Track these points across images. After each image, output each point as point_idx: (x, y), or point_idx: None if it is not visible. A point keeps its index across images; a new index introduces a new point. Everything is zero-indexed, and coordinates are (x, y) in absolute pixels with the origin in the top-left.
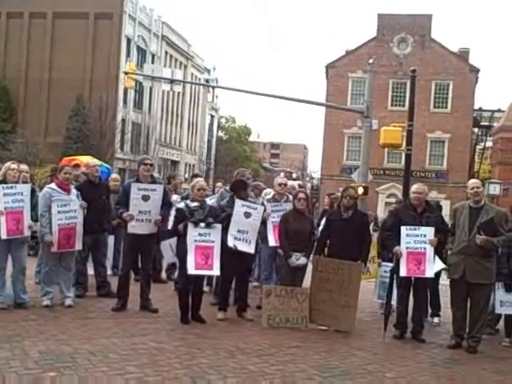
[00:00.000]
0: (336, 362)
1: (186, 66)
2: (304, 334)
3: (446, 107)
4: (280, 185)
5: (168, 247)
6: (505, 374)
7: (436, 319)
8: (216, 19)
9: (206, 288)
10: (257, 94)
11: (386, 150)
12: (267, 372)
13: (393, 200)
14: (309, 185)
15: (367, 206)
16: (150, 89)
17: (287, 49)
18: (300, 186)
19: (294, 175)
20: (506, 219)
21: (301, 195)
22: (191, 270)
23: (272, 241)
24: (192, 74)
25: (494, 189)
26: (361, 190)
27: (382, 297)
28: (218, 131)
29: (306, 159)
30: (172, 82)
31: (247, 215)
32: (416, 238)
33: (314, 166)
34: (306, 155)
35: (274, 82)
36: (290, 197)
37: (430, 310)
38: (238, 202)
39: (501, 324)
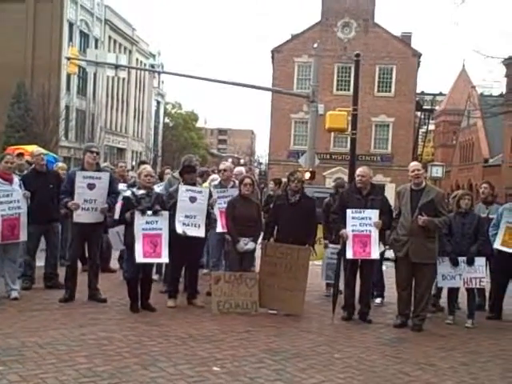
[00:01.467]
0: (286, 345)
1: (130, 51)
2: (254, 318)
3: (390, 91)
4: (220, 171)
5: (116, 236)
6: (448, 351)
7: (378, 300)
8: (160, 3)
9: (155, 276)
10: (203, 79)
11: (332, 134)
12: (218, 357)
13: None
14: (257, 170)
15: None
16: (94, 75)
17: (234, 33)
18: (247, 171)
19: (242, 161)
20: (444, 199)
21: (247, 180)
22: (139, 258)
23: (219, 227)
24: (137, 60)
25: (437, 171)
26: (308, 175)
27: (329, 277)
28: (164, 117)
29: (253, 145)
30: (117, 67)
31: (192, 200)
32: (361, 221)
33: (262, 152)
34: (254, 141)
35: (221, 67)
36: (237, 182)
37: (374, 291)
38: (182, 188)
39: (444, 302)
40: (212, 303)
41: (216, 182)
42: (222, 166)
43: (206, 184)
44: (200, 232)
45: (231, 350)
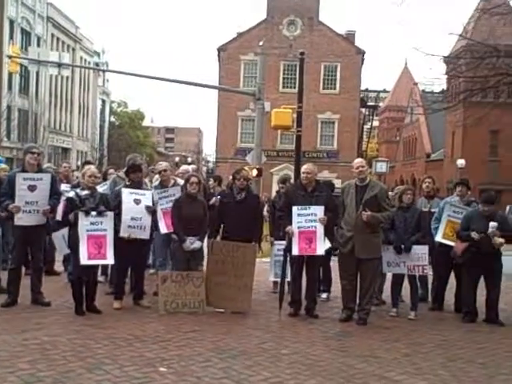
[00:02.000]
0: (233, 343)
1: (74, 49)
2: (201, 317)
3: (335, 88)
4: (160, 172)
5: (61, 239)
6: (392, 342)
7: (325, 295)
8: (104, 1)
9: (101, 278)
10: (148, 77)
11: (278, 131)
12: (165, 358)
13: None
14: (204, 168)
15: (263, 187)
16: (37, 73)
17: (180, 31)
18: (195, 169)
19: (189, 159)
20: (387, 195)
21: (193, 179)
22: (84, 260)
23: (163, 228)
24: (81, 58)
25: (381, 167)
26: (255, 172)
27: (277, 275)
28: (110, 116)
29: (201, 143)
30: (60, 65)
31: (137, 202)
32: (307, 218)
33: (210, 150)
34: (201, 139)
35: (167, 65)
36: (178, 180)
37: (321, 287)
38: (125, 191)
39: (388, 296)
40: (159, 303)
41: (156, 183)
42: (161, 167)
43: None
44: (145, 234)
45: (178, 350)
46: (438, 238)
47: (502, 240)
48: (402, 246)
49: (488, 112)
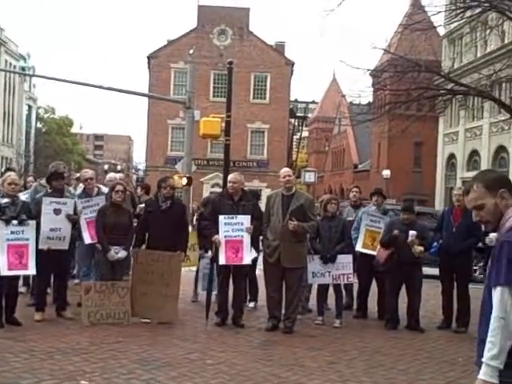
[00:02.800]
0: (158, 354)
1: None
2: (126, 328)
3: (265, 98)
4: (86, 180)
5: None
6: (317, 350)
7: (252, 304)
8: (32, 3)
9: (22, 289)
10: (77, 83)
11: (209, 140)
12: (86, 370)
13: (217, 189)
14: (134, 177)
15: (193, 196)
16: None
17: (111, 37)
18: (123, 178)
19: (119, 167)
20: (313, 205)
21: (118, 187)
22: (4, 270)
23: (87, 238)
24: (6, 61)
25: (310, 176)
26: (185, 181)
27: (205, 288)
28: (36, 122)
29: (131, 150)
30: None
31: (57, 212)
32: (234, 227)
33: (140, 158)
34: (131, 146)
35: (97, 71)
36: (103, 189)
37: (248, 296)
38: (46, 200)
39: (314, 304)
40: (82, 314)
41: (79, 191)
42: (87, 175)
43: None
44: (64, 244)
45: (101, 363)
46: (358, 247)
47: (421, 248)
48: (328, 256)
49: (410, 124)
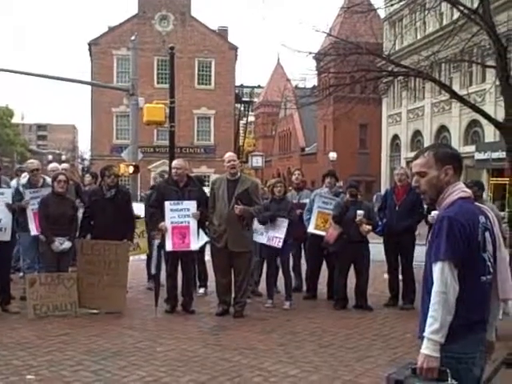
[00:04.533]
0: (107, 344)
1: None
2: (74, 319)
3: (210, 84)
4: (32, 171)
5: None
6: (268, 333)
7: (201, 290)
8: None
9: None
10: (16, 72)
11: (155, 127)
12: (33, 365)
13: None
14: (80, 166)
15: (140, 184)
16: None
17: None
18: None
19: (64, 157)
20: (258, 189)
21: (60, 177)
22: None
23: (34, 229)
24: None
25: (257, 161)
26: (132, 169)
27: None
28: None
29: (76, 140)
30: None
31: None
32: (180, 213)
33: (85, 147)
34: (76, 136)
35: (37, 59)
36: (48, 179)
37: (198, 282)
38: None
39: (263, 287)
40: (27, 308)
41: (24, 181)
42: (33, 166)
43: (13, 182)
44: (5, 236)
45: (48, 356)
46: (311, 229)
47: (369, 227)
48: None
49: (354, 106)
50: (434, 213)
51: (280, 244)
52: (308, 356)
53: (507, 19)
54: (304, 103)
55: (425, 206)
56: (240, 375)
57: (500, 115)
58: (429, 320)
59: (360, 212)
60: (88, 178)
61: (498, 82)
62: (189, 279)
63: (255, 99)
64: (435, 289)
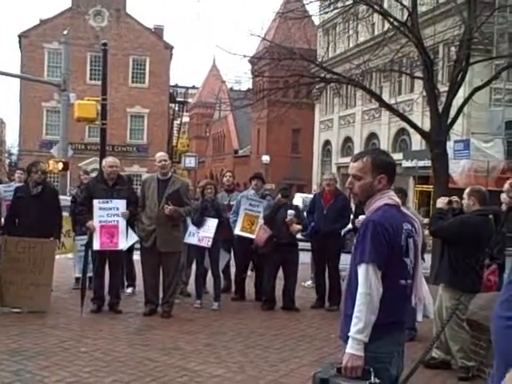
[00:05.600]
0: (29, 344)
1: None
2: None
3: (144, 82)
4: None
5: None
6: (195, 334)
7: (130, 289)
8: None
9: None
10: None
11: (87, 124)
12: None
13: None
14: (7, 161)
15: (70, 181)
16: None
17: None
18: None
19: None
20: (189, 189)
21: None
22: None
23: None
24: None
25: (190, 161)
26: (61, 166)
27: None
28: None
29: (3, 134)
30: None
31: None
32: (109, 212)
33: (13, 141)
34: (4, 130)
35: None
36: None
37: (125, 282)
38: None
39: (191, 288)
40: None
41: None
42: None
43: None
44: None
45: None
46: (237, 231)
47: (299, 227)
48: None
49: (287, 111)
50: (362, 217)
51: (209, 243)
52: (234, 356)
53: (434, 33)
54: (238, 106)
55: (352, 210)
56: (165, 375)
57: (426, 125)
58: (354, 320)
59: (290, 212)
60: (19, 173)
61: (424, 93)
62: (116, 278)
63: (190, 100)
64: (360, 290)
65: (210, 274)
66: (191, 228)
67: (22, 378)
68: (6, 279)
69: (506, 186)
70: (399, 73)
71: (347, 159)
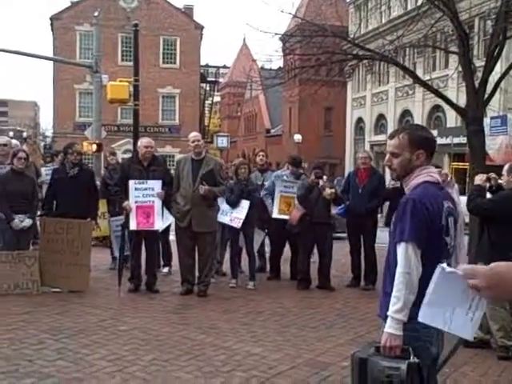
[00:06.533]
0: (70, 323)
1: None
2: (36, 298)
3: (175, 63)
4: (0, 145)
5: None
6: (231, 313)
7: (166, 269)
8: None
9: None
10: None
11: (119, 106)
12: None
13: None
14: (42, 143)
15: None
16: None
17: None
18: (31, 144)
19: (25, 134)
20: (222, 169)
21: (20, 154)
22: None
23: None
24: None
25: (222, 141)
26: (95, 147)
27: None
28: None
29: (37, 116)
30: None
31: None
32: (144, 192)
33: (48, 124)
34: (38, 112)
35: None
36: None
37: (162, 261)
38: None
39: (227, 267)
40: None
41: None
42: (1, 141)
43: None
44: None
45: (9, 334)
46: (275, 214)
47: (332, 190)
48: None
49: (319, 89)
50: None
51: (239, 225)
52: (270, 335)
53: (469, 6)
54: (269, 85)
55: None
56: (203, 353)
57: (462, 101)
58: (392, 299)
59: (324, 178)
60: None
61: (460, 68)
62: (152, 258)
63: (221, 79)
64: (399, 269)
65: (244, 253)
66: (224, 207)
67: (64, 356)
68: (45, 259)
69: None
70: (433, 48)
71: (380, 137)
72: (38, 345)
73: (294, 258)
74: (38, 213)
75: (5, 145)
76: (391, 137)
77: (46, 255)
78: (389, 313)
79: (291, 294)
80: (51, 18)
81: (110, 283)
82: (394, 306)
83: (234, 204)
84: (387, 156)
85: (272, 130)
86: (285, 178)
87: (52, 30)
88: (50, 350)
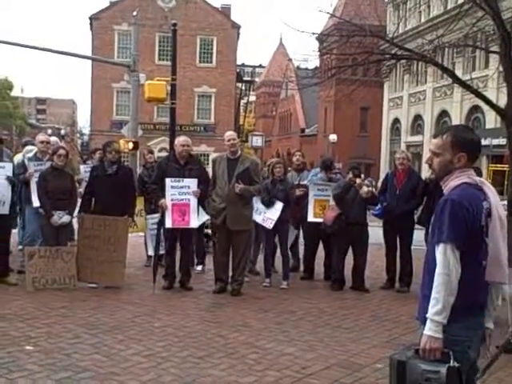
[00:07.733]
0: (105, 318)
1: None
2: (73, 293)
3: (211, 62)
4: (42, 142)
5: None
6: (264, 312)
7: (199, 267)
8: None
9: None
10: (16, 44)
11: (155, 104)
12: (32, 336)
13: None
14: (79, 141)
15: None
16: None
17: None
18: (69, 141)
19: (63, 131)
20: (258, 168)
21: (61, 151)
22: None
23: (36, 201)
24: None
25: (257, 141)
26: (131, 145)
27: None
28: None
29: (75, 114)
30: None
31: None
32: (180, 190)
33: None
34: (75, 110)
35: (38, 33)
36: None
37: (196, 260)
38: None
39: (260, 266)
40: (26, 280)
41: (31, 154)
42: (42, 138)
43: (19, 156)
44: (4, 209)
45: (46, 328)
46: (310, 218)
47: (369, 188)
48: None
49: (356, 89)
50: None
51: (271, 226)
52: (304, 335)
53: None
54: (306, 84)
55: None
56: (237, 352)
57: (502, 102)
58: (432, 301)
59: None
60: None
61: (501, 69)
62: (187, 256)
63: (256, 79)
64: (438, 270)
65: (278, 253)
66: (259, 205)
67: (100, 351)
68: (82, 255)
69: None
70: (474, 48)
71: (417, 138)
72: (74, 339)
73: (327, 258)
74: (76, 210)
75: (47, 142)
76: (435, 135)
77: (84, 251)
78: (428, 315)
79: (325, 294)
80: (90, 18)
81: (144, 280)
82: (434, 307)
83: (268, 204)
84: (429, 155)
85: (307, 130)
86: (318, 181)
87: (91, 29)
88: (86, 345)
